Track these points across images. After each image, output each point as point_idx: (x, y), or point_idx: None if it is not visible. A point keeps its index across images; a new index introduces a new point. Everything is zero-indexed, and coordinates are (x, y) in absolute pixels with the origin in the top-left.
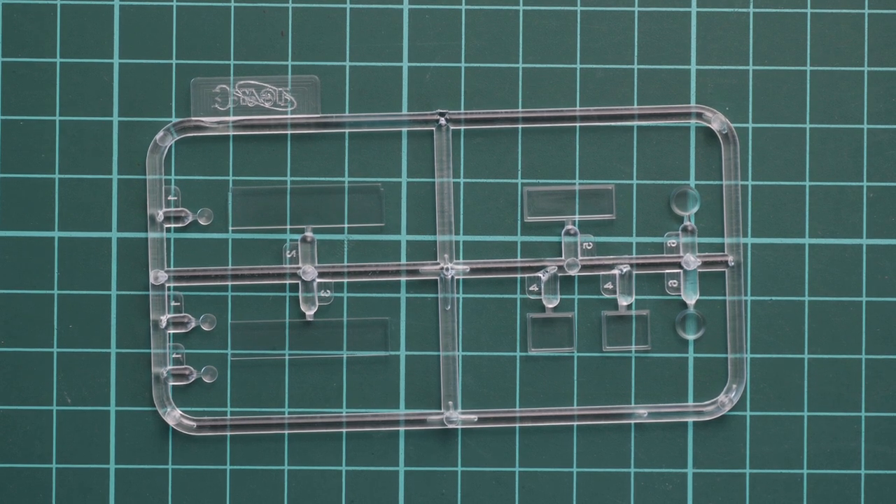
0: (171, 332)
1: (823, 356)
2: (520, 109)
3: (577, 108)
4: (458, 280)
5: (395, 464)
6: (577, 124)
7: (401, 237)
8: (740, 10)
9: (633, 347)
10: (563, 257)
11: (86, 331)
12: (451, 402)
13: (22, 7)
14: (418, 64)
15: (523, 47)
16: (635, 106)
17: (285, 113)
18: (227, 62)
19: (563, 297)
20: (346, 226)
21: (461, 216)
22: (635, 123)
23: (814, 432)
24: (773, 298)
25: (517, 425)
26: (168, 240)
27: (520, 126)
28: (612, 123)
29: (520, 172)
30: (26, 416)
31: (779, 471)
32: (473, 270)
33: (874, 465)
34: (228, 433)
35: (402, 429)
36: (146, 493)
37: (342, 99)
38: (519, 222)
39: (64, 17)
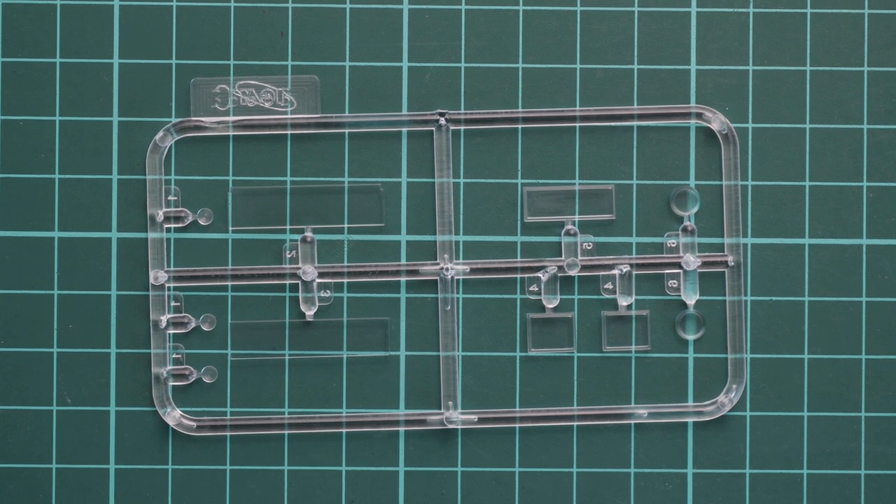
0: (171, 332)
1: (823, 356)
2: (520, 109)
3: (577, 108)
4: (458, 280)
5: (395, 464)
6: (577, 124)
7: (401, 237)
8: (740, 10)
9: (633, 347)
10: (563, 257)
11: (86, 331)
12: (451, 402)
13: (22, 7)
14: (418, 64)
15: (523, 47)
16: (635, 106)
17: (285, 113)
18: (227, 62)
19: (563, 297)
20: (346, 226)
21: (461, 216)
22: (635, 123)
23: (814, 432)
24: (773, 298)
25: (517, 425)
26: (168, 240)
27: (520, 126)
28: (612, 123)
29: (520, 172)
30: (26, 416)
31: (779, 471)
32: (473, 270)
33: (874, 465)
34: (228, 433)
35: (402, 429)
36: (146, 493)
37: (342, 99)
38: (519, 222)
39: (64, 17)
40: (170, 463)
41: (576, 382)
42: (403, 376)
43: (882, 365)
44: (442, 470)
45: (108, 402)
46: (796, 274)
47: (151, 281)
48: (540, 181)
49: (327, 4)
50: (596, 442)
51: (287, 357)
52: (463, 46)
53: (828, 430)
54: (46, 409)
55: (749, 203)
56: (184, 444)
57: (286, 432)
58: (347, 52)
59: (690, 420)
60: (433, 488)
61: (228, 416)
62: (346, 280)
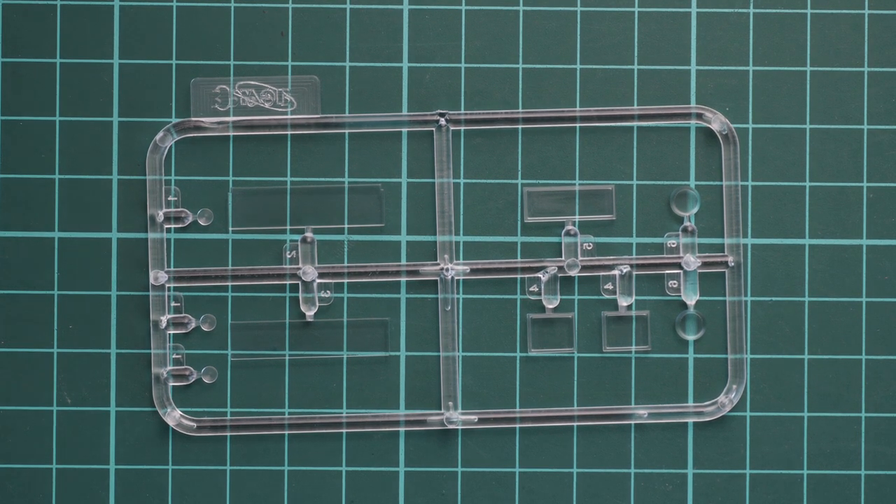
0: (171, 332)
1: (823, 356)
2: (520, 110)
3: (577, 108)
4: (458, 280)
5: (395, 464)
6: (578, 125)
7: (401, 237)
8: (740, 10)
9: (633, 348)
10: (563, 258)
11: (86, 331)
12: (451, 403)
13: (22, 7)
14: (418, 64)
15: (523, 47)
16: (635, 106)
17: (285, 113)
18: (227, 62)
19: (564, 297)
20: (346, 226)
21: (461, 216)
22: (635, 124)
23: (814, 433)
24: (773, 299)
25: (517, 426)
26: (168, 240)
27: (520, 126)
28: (612, 124)
29: (520, 173)
30: (26, 416)
31: (779, 471)
32: (473, 271)
33: (874, 466)
34: (228, 433)
35: (402, 429)
36: (146, 494)
37: (342, 99)
38: (519, 223)
39: (64, 17)
40: (170, 463)
41: (576, 382)
42: (403, 376)
43: (882, 365)
44: (442, 470)
45: (108, 402)
46: (796, 274)
47: (152, 281)
48: (540, 181)
49: (327, 4)
50: (596, 442)
51: (287, 357)
52: (463, 46)
53: (828, 430)
54: (46, 409)
55: (749, 203)
56: (184, 444)
57: (286, 432)
58: (347, 52)
59: (690, 420)
60: (433, 488)
61: (228, 417)
62: (346, 280)
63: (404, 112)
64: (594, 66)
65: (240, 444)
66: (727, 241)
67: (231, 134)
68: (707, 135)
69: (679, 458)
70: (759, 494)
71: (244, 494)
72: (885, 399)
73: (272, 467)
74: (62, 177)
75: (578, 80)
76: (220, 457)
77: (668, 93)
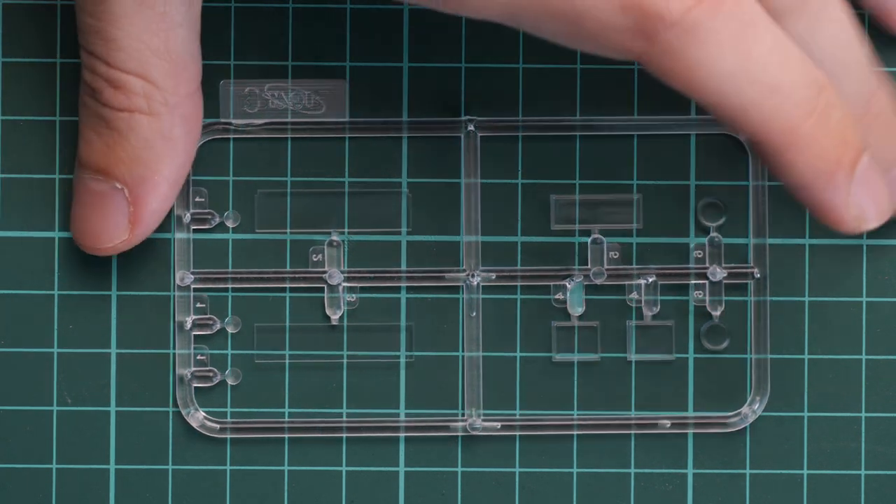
0: (196, 333)
1: (823, 356)
2: (548, 117)
3: (604, 117)
4: (482, 287)
5: (395, 464)
6: (603, 133)
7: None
8: None
9: (657, 357)
10: (589, 266)
11: (86, 331)
12: (473, 409)
13: (22, 7)
14: (418, 64)
15: (523, 47)
16: (665, 117)
17: (313, 116)
18: (227, 62)
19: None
20: (372, 230)
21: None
22: (662, 133)
23: (814, 432)
24: (773, 299)
25: (540, 433)
26: (188, 240)
27: (548, 134)
28: (637, 132)
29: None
30: (26, 416)
31: (779, 471)
32: (499, 277)
33: (874, 466)
34: (254, 435)
35: (422, 434)
36: (146, 494)
37: (342, 99)
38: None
39: (64, 17)
40: (170, 463)
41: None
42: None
43: (882, 365)
44: (442, 470)
45: (108, 402)
46: (796, 275)
47: (177, 282)
48: (566, 189)
49: (327, 4)
50: (596, 442)
51: (308, 360)
52: (463, 47)
53: (828, 430)
54: (46, 409)
55: (749, 204)
56: (184, 445)
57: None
58: (348, 52)
59: (714, 431)
60: (433, 489)
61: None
62: (371, 284)
63: (432, 116)
64: (594, 66)
65: (240, 444)
66: (753, 241)
67: (259, 136)
68: (735, 143)
69: (679, 458)
70: (759, 494)
71: (244, 494)
72: (885, 399)
73: (272, 467)
74: (62, 177)
75: (579, 81)
76: (220, 457)
77: (670, 93)
